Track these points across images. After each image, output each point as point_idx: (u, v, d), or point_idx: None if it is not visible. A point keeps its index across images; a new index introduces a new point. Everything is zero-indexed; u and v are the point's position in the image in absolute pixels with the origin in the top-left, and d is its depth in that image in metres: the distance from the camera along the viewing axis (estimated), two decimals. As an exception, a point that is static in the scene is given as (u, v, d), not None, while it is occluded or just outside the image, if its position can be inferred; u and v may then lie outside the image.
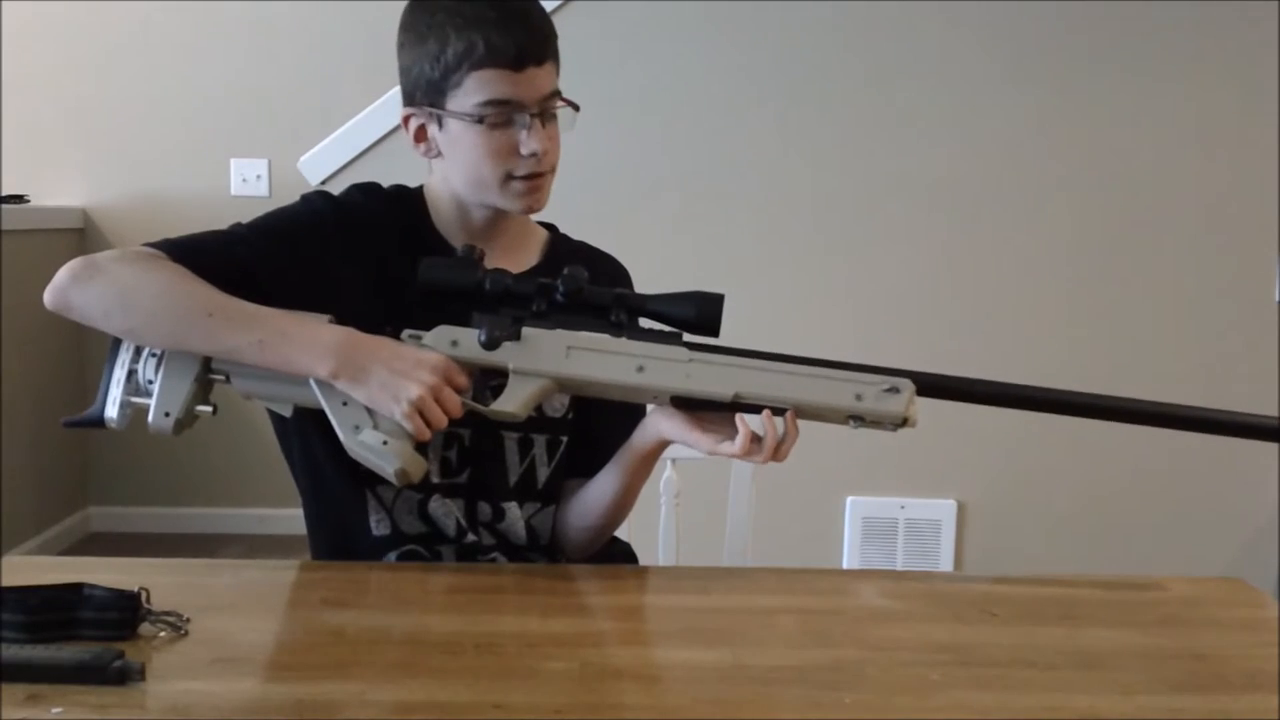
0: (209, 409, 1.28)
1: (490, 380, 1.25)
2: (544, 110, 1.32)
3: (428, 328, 1.26)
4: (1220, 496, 2.82)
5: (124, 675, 0.95)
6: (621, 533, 1.56)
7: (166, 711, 0.92)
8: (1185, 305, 2.81)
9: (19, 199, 3.63)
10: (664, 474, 1.70)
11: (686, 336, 1.25)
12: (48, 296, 1.25)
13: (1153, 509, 2.80)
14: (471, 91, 1.29)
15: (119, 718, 0.91)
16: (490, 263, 1.36)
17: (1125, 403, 1.28)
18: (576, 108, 1.35)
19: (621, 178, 2.80)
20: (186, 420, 1.26)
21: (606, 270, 1.47)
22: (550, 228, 1.49)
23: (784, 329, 2.81)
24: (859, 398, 1.20)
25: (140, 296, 1.24)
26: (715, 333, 1.23)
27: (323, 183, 2.74)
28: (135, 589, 1.07)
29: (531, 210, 1.36)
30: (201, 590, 1.22)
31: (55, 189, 3.84)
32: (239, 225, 1.35)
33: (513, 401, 1.24)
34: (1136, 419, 1.28)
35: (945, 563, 2.81)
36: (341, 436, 1.23)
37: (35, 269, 3.50)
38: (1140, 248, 2.80)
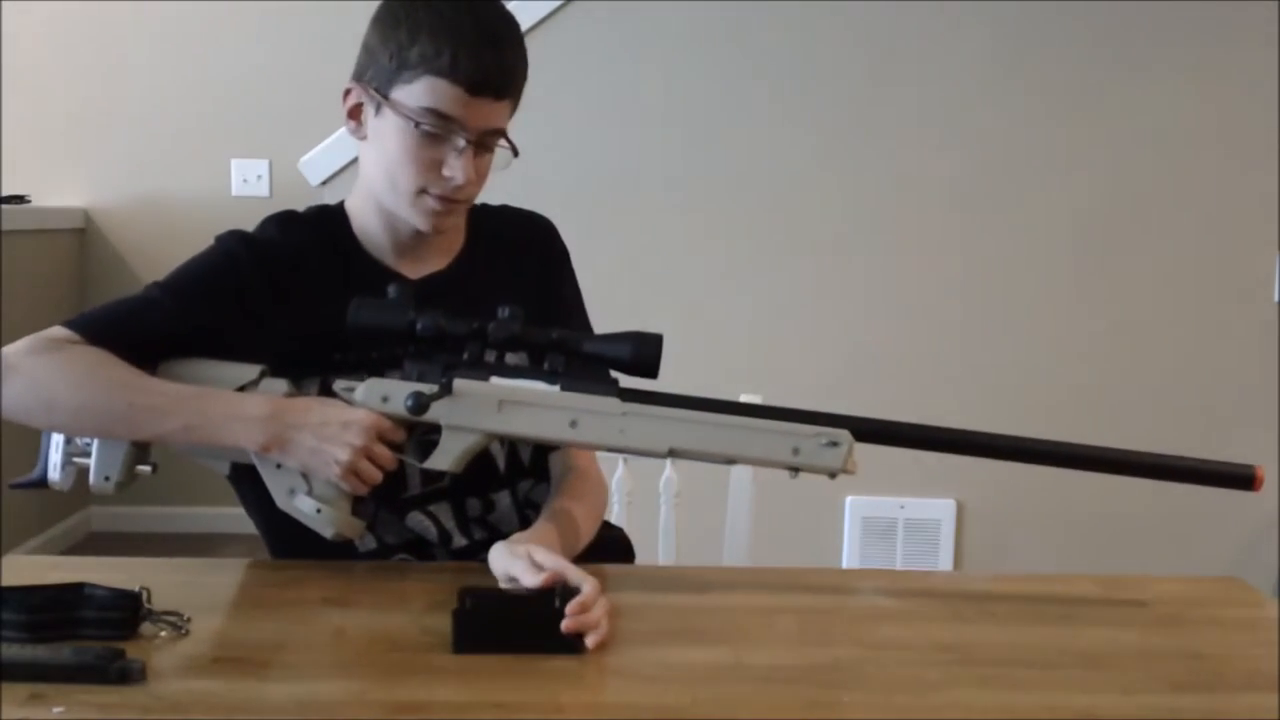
0: (148, 469, 1.29)
1: (424, 431, 1.25)
2: (481, 142, 1.31)
3: (362, 360, 1.26)
4: (1220, 496, 2.81)
5: (125, 675, 0.95)
6: (620, 523, 1.56)
7: (167, 710, 0.92)
8: (1185, 305, 2.80)
9: (20, 199, 3.63)
10: (664, 474, 1.71)
11: (625, 380, 1.23)
12: None
13: (1152, 509, 2.80)
14: (419, 94, 1.27)
15: (120, 717, 0.91)
16: (420, 262, 1.37)
17: (1059, 447, 1.22)
18: (516, 153, 1.34)
19: (619, 178, 2.80)
20: (127, 481, 1.27)
21: (531, 232, 1.48)
22: None
23: (785, 328, 2.81)
24: (796, 451, 1.19)
25: (60, 395, 1.23)
26: (653, 374, 1.20)
27: (323, 183, 2.74)
28: (136, 588, 1.07)
29: (432, 231, 1.34)
30: (202, 590, 1.22)
31: (56, 189, 3.85)
32: (154, 287, 1.32)
33: (445, 459, 1.23)
34: (1075, 464, 1.22)
35: (945, 562, 2.81)
36: (276, 500, 1.25)
37: (37, 269, 3.52)
38: (1140, 247, 2.80)
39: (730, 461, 1.23)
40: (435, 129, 1.28)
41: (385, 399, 1.23)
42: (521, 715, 0.94)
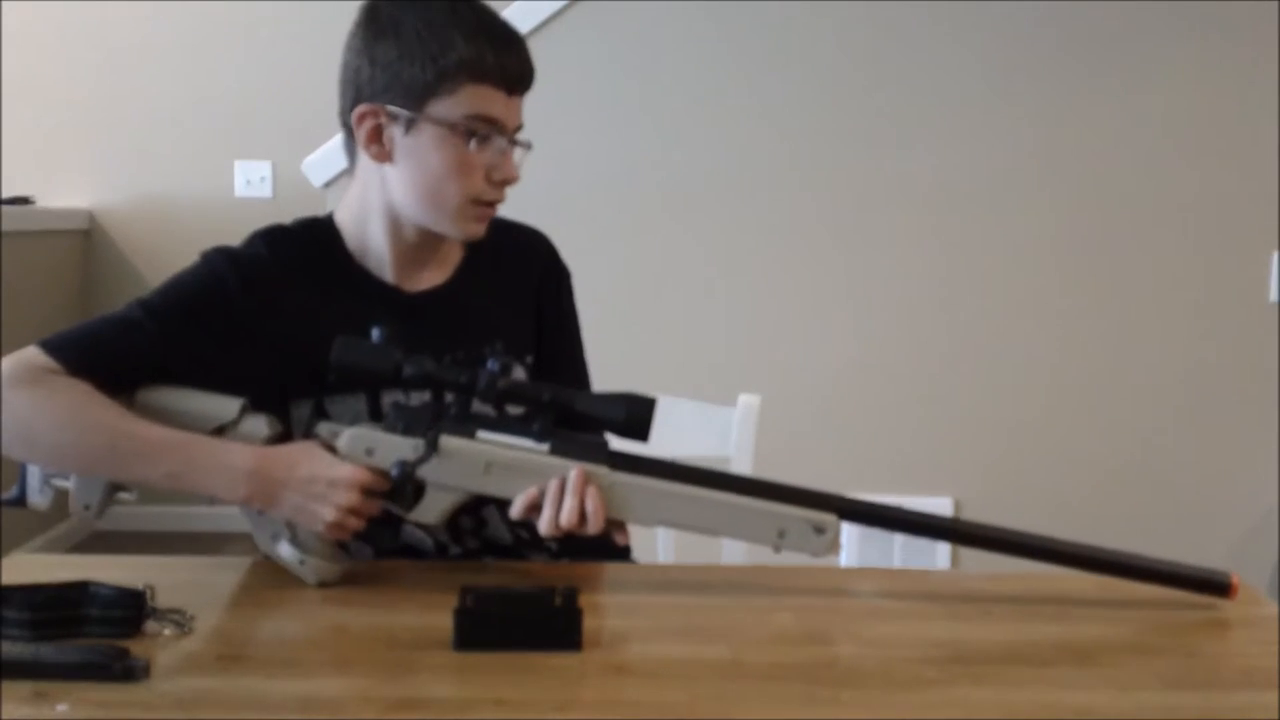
0: (130, 495, 1.27)
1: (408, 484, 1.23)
2: (512, 141, 1.31)
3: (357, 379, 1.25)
4: (1217, 496, 2.82)
5: (129, 673, 0.96)
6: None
7: (171, 709, 0.93)
8: (1182, 305, 2.81)
9: (25, 200, 3.64)
10: (664, 473, 1.70)
11: (614, 443, 1.22)
12: None
13: (1149, 508, 2.80)
14: (463, 102, 1.26)
15: (124, 715, 0.91)
16: (419, 275, 1.36)
17: (1044, 542, 1.24)
18: (530, 146, 1.33)
19: (616, 180, 2.80)
20: (105, 509, 1.26)
21: (531, 247, 1.47)
22: None
23: (785, 328, 2.81)
24: (782, 534, 1.20)
25: (40, 434, 1.20)
26: (645, 437, 1.19)
27: (326, 185, 2.75)
28: (140, 587, 1.08)
29: (472, 238, 1.34)
30: (206, 588, 1.23)
31: (61, 190, 3.85)
32: (137, 306, 1.27)
33: (430, 514, 1.22)
34: (1059, 561, 1.24)
35: (942, 561, 2.80)
36: (258, 543, 1.25)
37: (41, 270, 3.53)
38: (1137, 247, 2.80)
39: (716, 535, 1.23)
40: (484, 135, 1.27)
41: (369, 452, 1.20)
42: (522, 712, 0.94)
